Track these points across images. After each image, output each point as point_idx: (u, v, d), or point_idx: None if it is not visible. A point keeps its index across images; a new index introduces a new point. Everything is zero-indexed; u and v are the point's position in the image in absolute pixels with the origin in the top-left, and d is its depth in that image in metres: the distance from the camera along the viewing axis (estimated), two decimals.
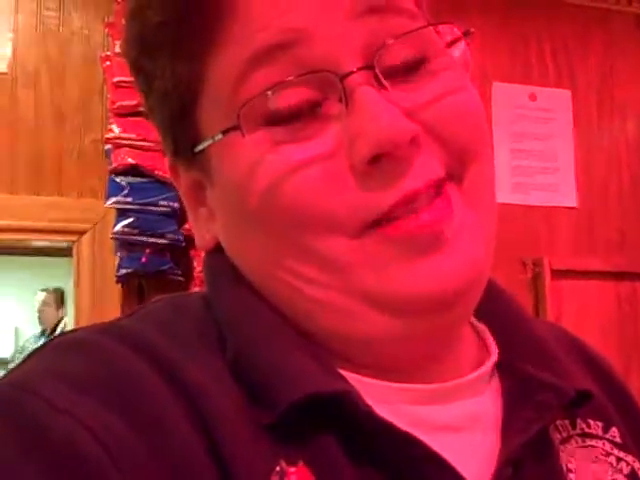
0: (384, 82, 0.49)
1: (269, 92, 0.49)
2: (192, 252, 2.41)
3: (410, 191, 0.49)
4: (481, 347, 0.61)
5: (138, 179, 2.41)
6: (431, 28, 0.54)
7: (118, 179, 2.41)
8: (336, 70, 0.49)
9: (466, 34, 0.56)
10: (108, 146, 2.45)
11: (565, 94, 3.11)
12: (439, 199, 0.50)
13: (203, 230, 0.59)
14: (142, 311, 0.57)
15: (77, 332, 0.53)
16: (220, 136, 0.52)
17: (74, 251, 2.45)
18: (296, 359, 0.50)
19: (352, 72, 0.49)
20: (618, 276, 3.00)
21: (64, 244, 2.49)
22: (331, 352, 0.53)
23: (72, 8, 2.61)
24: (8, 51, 2.52)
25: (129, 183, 2.40)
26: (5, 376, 0.48)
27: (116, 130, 2.43)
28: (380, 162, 0.48)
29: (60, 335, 0.54)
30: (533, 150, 3.01)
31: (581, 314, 2.90)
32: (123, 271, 2.36)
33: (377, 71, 0.49)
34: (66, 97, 2.54)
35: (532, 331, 0.61)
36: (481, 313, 0.61)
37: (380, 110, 0.48)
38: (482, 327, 0.62)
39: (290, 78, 0.49)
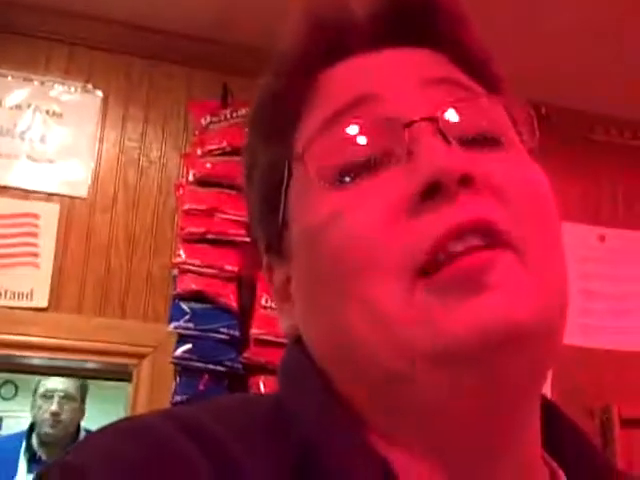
0: (448, 135, 0.51)
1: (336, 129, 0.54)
2: (250, 380, 2.43)
3: (455, 224, 0.48)
4: None
5: (201, 305, 2.46)
6: (503, 111, 0.57)
7: (182, 304, 2.45)
8: (402, 120, 0.52)
9: (540, 117, 0.57)
10: (175, 271, 2.50)
11: (635, 235, 3.13)
12: (480, 250, 0.48)
13: (286, 323, 0.61)
14: (210, 401, 0.58)
15: (141, 417, 0.54)
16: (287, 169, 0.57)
17: (134, 374, 2.48)
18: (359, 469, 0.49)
19: (415, 121, 0.52)
20: None
21: (123, 367, 2.52)
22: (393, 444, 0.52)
23: (153, 139, 2.70)
24: (89, 178, 2.61)
25: (192, 309, 2.45)
26: (62, 456, 0.49)
27: (182, 255, 2.48)
28: (432, 199, 0.49)
29: (125, 419, 0.54)
30: (602, 292, 3.01)
31: None
32: (178, 398, 2.38)
33: (441, 125, 0.52)
34: (139, 222, 2.61)
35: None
36: (555, 451, 0.59)
37: (441, 149, 0.50)
38: (550, 460, 0.59)
39: (357, 120, 0.54)
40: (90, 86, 2.67)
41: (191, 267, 2.47)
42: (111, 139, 2.66)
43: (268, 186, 0.59)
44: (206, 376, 2.40)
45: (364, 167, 0.52)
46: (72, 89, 2.65)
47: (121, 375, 2.62)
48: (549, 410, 0.60)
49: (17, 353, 2.44)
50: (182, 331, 2.41)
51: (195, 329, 2.41)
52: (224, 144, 2.55)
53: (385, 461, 0.50)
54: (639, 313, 3.02)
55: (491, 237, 0.48)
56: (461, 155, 0.50)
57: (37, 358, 2.51)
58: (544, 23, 2.60)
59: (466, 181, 0.49)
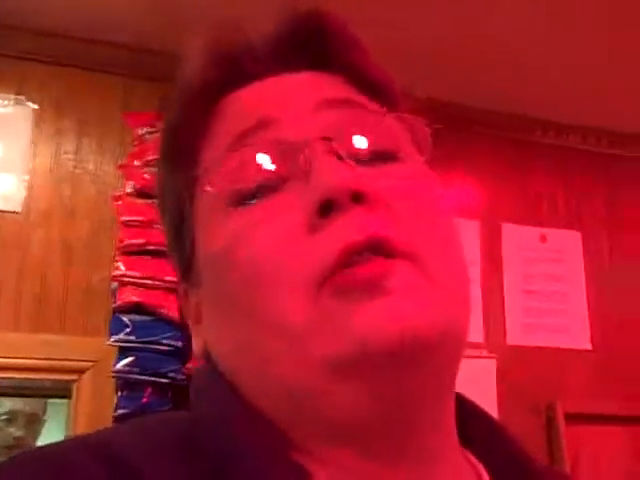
0: (341, 153, 0.53)
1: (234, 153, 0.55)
2: None
3: (350, 242, 0.49)
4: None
5: (142, 317, 2.42)
6: (399, 126, 0.59)
7: (122, 317, 2.41)
8: (297, 142, 0.54)
9: (429, 126, 0.59)
10: (114, 284, 2.46)
11: (575, 235, 3.17)
12: (380, 259, 0.49)
13: (197, 344, 0.61)
14: (126, 423, 0.58)
15: (50, 446, 0.53)
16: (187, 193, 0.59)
17: (73, 390, 2.43)
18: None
19: (309, 141, 0.53)
20: (637, 421, 2.93)
21: (62, 384, 2.46)
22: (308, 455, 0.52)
23: (88, 151, 2.66)
24: (23, 192, 2.56)
25: (132, 321, 2.41)
26: None
27: (122, 268, 2.44)
28: (328, 216, 0.50)
29: (34, 449, 0.53)
30: (544, 291, 3.04)
31: (599, 461, 2.84)
32: (121, 412, 2.33)
33: (334, 144, 0.53)
34: (76, 236, 2.57)
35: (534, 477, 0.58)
36: (479, 450, 0.60)
37: (333, 167, 0.51)
38: (476, 461, 0.59)
39: (255, 144, 0.55)
40: (22, 98, 2.62)
41: (131, 279, 2.43)
42: (45, 152, 2.62)
43: (175, 215, 0.61)
44: (149, 389, 2.36)
45: (263, 189, 0.54)
46: (5, 102, 2.61)
47: (59, 392, 2.57)
48: (464, 407, 0.60)
49: None
50: (123, 344, 2.37)
51: (136, 341, 2.37)
52: None
53: (303, 470, 0.50)
54: (578, 311, 3.06)
55: (386, 250, 0.50)
56: (353, 172, 0.52)
57: None
58: (483, 25, 2.63)
59: (358, 197, 0.51)
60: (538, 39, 2.72)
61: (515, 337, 2.90)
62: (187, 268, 0.61)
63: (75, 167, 2.63)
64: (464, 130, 3.05)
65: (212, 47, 0.62)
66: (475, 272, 2.89)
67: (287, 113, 0.57)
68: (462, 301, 0.53)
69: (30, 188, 2.57)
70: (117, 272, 2.43)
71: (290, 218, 0.52)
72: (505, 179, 3.12)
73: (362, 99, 0.60)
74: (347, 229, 0.50)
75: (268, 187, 0.54)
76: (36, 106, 2.64)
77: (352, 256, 0.49)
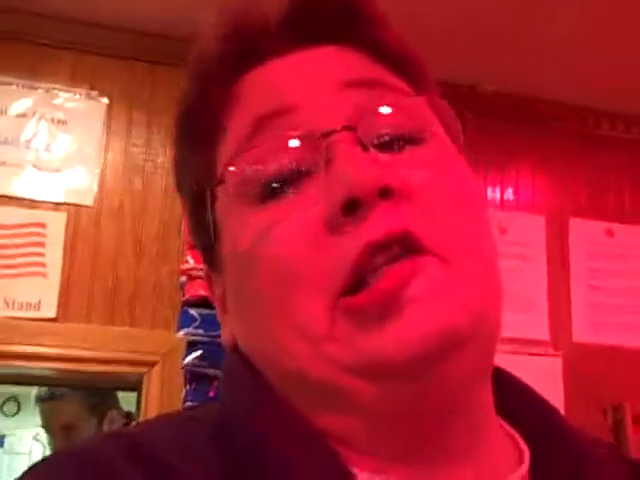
0: (366, 142, 0.51)
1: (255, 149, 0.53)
2: None
3: (370, 241, 0.47)
4: (515, 455, 0.56)
5: (210, 311, 2.44)
6: (426, 107, 0.56)
7: (190, 310, 2.43)
8: (319, 131, 0.51)
9: (459, 115, 0.57)
10: (183, 278, 2.48)
11: None
12: (403, 261, 0.48)
13: (225, 333, 0.60)
14: (157, 418, 0.59)
15: (83, 443, 0.53)
16: (209, 193, 0.56)
17: (144, 382, 2.47)
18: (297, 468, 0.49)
19: (334, 131, 0.51)
20: None
21: (133, 376, 2.50)
22: (342, 444, 0.51)
23: (158, 144, 2.68)
24: (95, 186, 2.59)
25: (200, 314, 2.43)
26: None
27: (191, 261, 2.46)
28: (353, 213, 0.48)
29: (68, 447, 0.54)
30: (611, 287, 2.98)
31: None
32: (189, 405, 2.36)
33: (359, 133, 0.51)
34: (146, 229, 2.59)
35: (573, 448, 0.56)
36: (516, 420, 0.58)
37: (357, 160, 0.49)
38: (513, 432, 0.58)
39: (276, 135, 0.53)
40: (95, 93, 2.65)
41: (199, 273, 2.44)
42: (116, 146, 2.64)
43: (195, 198, 0.59)
44: (216, 383, 2.39)
45: (287, 182, 0.52)
46: (77, 96, 2.64)
47: (128, 384, 2.61)
48: (501, 377, 0.59)
49: (26, 364, 2.41)
50: (192, 337, 2.39)
51: (205, 335, 2.39)
52: None
53: (335, 453, 0.50)
54: None
55: (410, 245, 0.48)
56: (378, 165, 0.49)
57: (46, 369, 2.48)
58: (551, 18, 2.59)
59: (385, 193, 0.49)
60: (604, 32, 2.67)
61: (582, 334, 2.85)
62: (210, 254, 0.59)
63: (145, 160, 2.66)
64: (530, 123, 3.00)
65: (226, 23, 0.59)
66: (541, 268, 2.86)
67: (308, 97, 0.54)
68: (491, 291, 0.51)
69: (102, 182, 2.60)
70: (186, 266, 2.45)
71: (310, 216, 0.50)
72: (572, 173, 3.07)
73: (387, 77, 0.57)
74: (368, 229, 0.48)
75: (291, 180, 0.52)
76: (107, 100, 2.66)
77: (374, 256, 0.48)
